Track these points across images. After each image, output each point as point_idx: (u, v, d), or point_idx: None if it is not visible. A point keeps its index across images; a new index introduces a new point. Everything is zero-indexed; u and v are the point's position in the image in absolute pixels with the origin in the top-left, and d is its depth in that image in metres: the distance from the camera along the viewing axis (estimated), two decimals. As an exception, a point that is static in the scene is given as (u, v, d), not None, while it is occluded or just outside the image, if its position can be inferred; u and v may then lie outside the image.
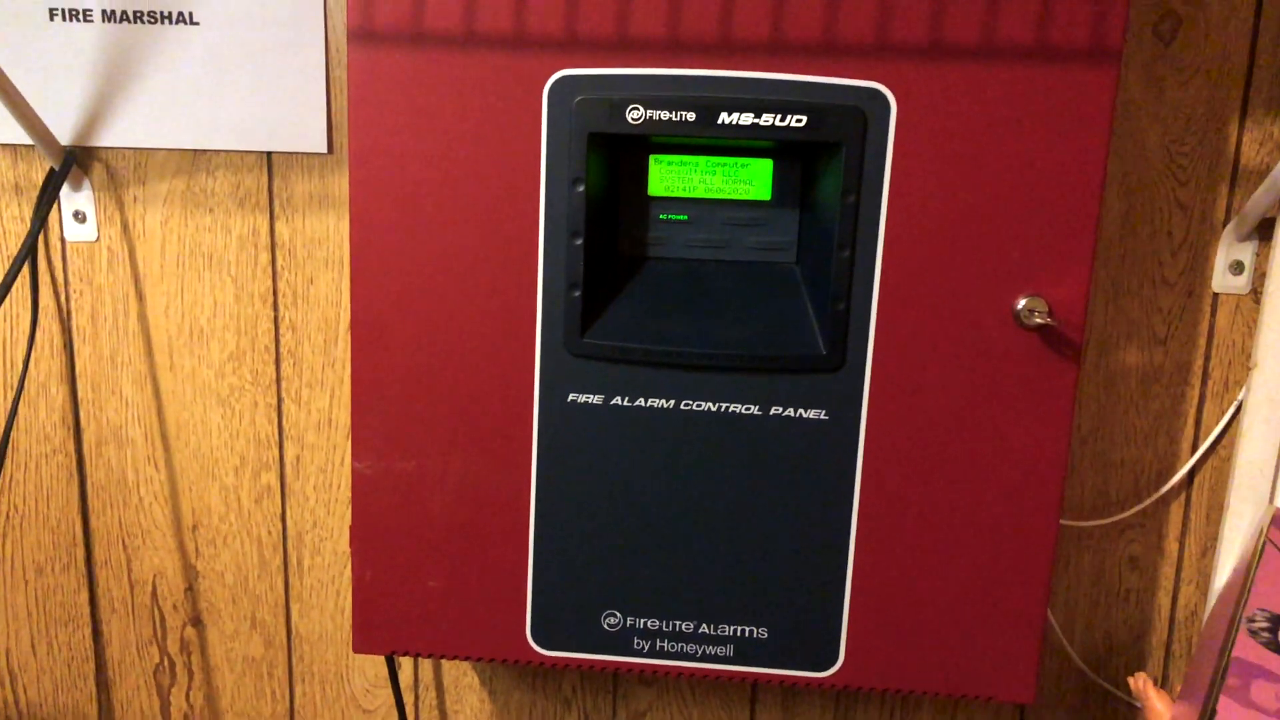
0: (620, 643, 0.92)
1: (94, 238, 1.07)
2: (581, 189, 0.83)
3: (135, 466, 1.13)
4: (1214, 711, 0.72)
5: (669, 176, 0.89)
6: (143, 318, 1.09)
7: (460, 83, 0.82)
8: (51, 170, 1.04)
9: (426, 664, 1.16)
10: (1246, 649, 0.77)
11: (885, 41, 0.79)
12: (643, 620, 0.91)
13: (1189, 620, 1.06)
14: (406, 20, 0.82)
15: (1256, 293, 0.98)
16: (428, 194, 0.84)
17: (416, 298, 0.86)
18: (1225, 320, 0.99)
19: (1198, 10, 0.94)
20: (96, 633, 1.19)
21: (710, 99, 0.81)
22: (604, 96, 0.82)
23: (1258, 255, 0.97)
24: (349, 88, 0.82)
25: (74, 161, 1.05)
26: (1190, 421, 1.02)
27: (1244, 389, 0.98)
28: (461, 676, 1.16)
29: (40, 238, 1.08)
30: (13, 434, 1.12)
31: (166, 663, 1.19)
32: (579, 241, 0.84)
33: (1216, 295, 0.99)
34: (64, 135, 1.04)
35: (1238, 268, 0.98)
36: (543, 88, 0.82)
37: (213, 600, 1.16)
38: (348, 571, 1.13)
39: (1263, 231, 0.96)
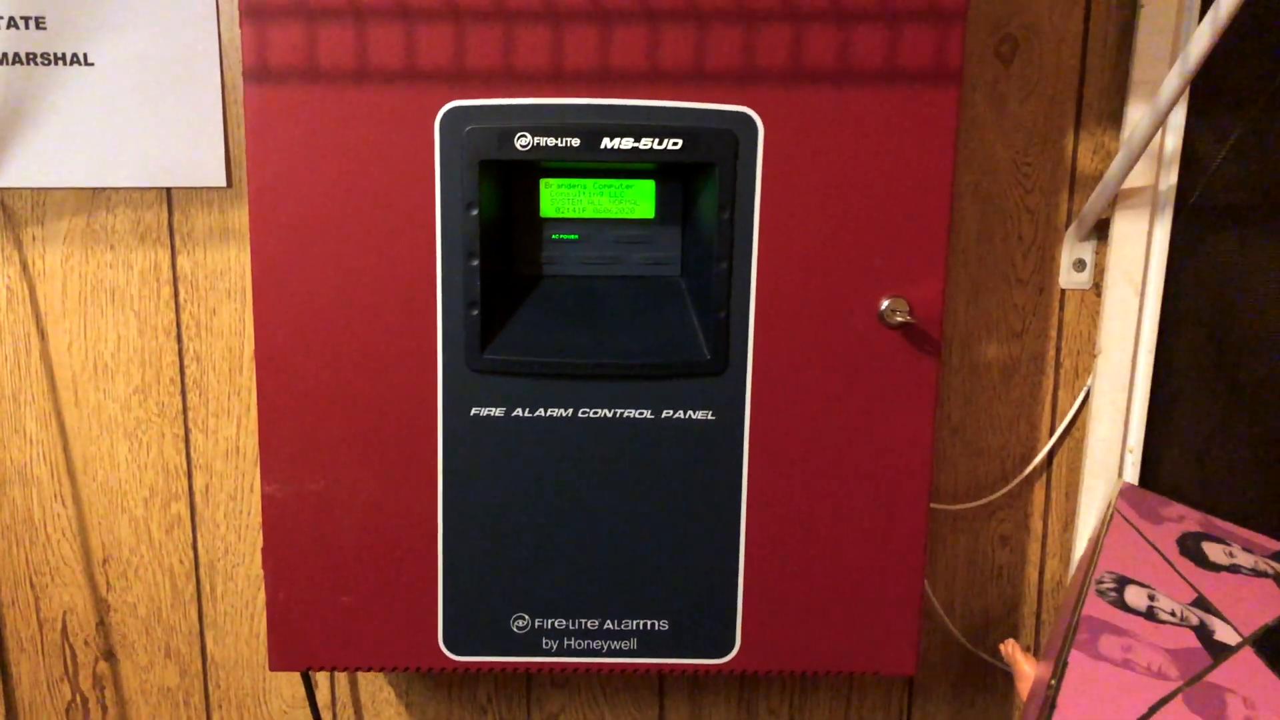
0: (530, 644, 0.97)
1: (-9, 278, 1.08)
2: (475, 213, 0.88)
3: (42, 504, 1.13)
4: (1066, 664, 0.79)
5: (559, 199, 0.95)
6: (45, 355, 1.10)
7: (354, 116, 0.87)
8: (-55, 212, 1.05)
9: (343, 681, 1.19)
10: (1095, 607, 0.85)
11: (752, 69, 0.87)
12: (550, 621, 0.96)
13: (1055, 590, 1.15)
14: (300, 58, 0.86)
15: (1098, 287, 1.08)
16: (327, 223, 0.88)
17: (319, 323, 0.90)
18: (1072, 313, 1.09)
19: (1033, 34, 1.03)
20: (5, 674, 1.19)
21: (593, 125, 0.87)
22: (493, 126, 0.87)
23: (1097, 253, 1.07)
24: (246, 126, 0.86)
25: (-32, 203, 1.06)
26: (1047, 408, 1.11)
27: (1091, 375, 1.08)
28: (378, 692, 1.19)
29: (-65, 280, 1.08)
30: (-88, 477, 1.12)
31: (79, 699, 1.19)
32: (475, 262, 0.89)
33: (1064, 291, 1.09)
34: (-43, 177, 1.05)
35: (1080, 265, 1.07)
36: (434, 119, 0.87)
37: (125, 633, 1.17)
38: (261, 595, 1.15)
39: (1100, 231, 1.06)
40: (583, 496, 0.94)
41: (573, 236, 0.96)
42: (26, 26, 1.02)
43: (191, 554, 1.15)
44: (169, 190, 1.06)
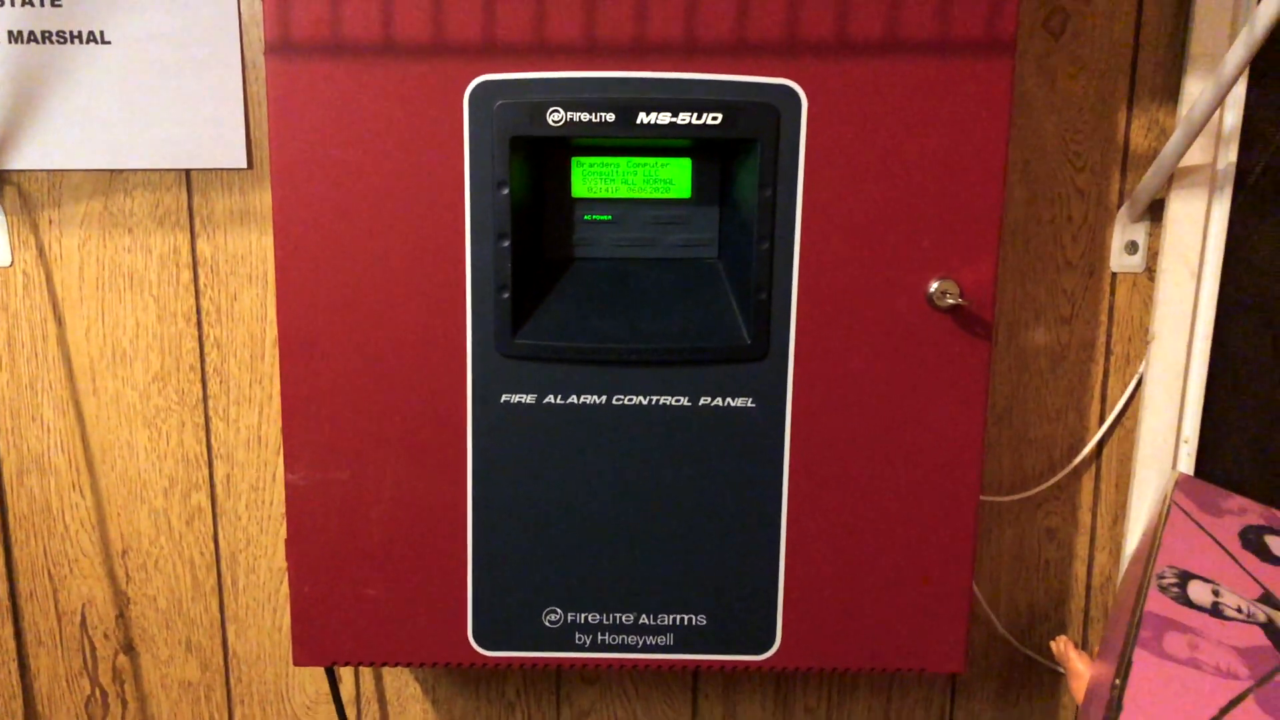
0: (562, 639, 0.93)
1: (8, 262, 1.05)
2: (506, 192, 0.85)
3: (59, 494, 1.11)
4: (1130, 663, 0.75)
5: (591, 178, 0.91)
6: (62, 342, 1.07)
7: (380, 91, 0.83)
8: (-40, 195, 1.03)
9: (368, 676, 1.16)
10: (1157, 604, 0.81)
11: (795, 39, 0.83)
12: (583, 615, 0.93)
13: (1104, 586, 1.11)
14: (324, 30, 0.83)
15: (1150, 270, 1.03)
16: (351, 203, 0.85)
17: (344, 306, 0.87)
18: (1124, 298, 1.05)
19: (1084, 5, 0.99)
20: (23, 667, 1.16)
21: (628, 99, 0.83)
22: (524, 100, 0.83)
23: (1150, 235, 1.02)
24: (269, 101, 0.83)
25: (-16, 185, 1.03)
26: (1097, 396, 1.07)
27: (1144, 362, 1.03)
28: (404, 687, 1.16)
29: (-49, 265, 1.06)
30: (-72, 467, 1.10)
31: (98, 694, 1.16)
32: (506, 244, 0.86)
33: (1115, 274, 1.04)
34: (-28, 159, 1.03)
35: (1132, 248, 1.03)
36: (463, 93, 0.83)
37: (145, 626, 1.14)
38: (284, 588, 1.13)
39: (1153, 212, 1.01)
40: (617, 486, 0.90)
41: (606, 218, 0.92)
42: (41, 4, 0.99)
43: (213, 546, 1.12)
44: (188, 172, 1.03)
